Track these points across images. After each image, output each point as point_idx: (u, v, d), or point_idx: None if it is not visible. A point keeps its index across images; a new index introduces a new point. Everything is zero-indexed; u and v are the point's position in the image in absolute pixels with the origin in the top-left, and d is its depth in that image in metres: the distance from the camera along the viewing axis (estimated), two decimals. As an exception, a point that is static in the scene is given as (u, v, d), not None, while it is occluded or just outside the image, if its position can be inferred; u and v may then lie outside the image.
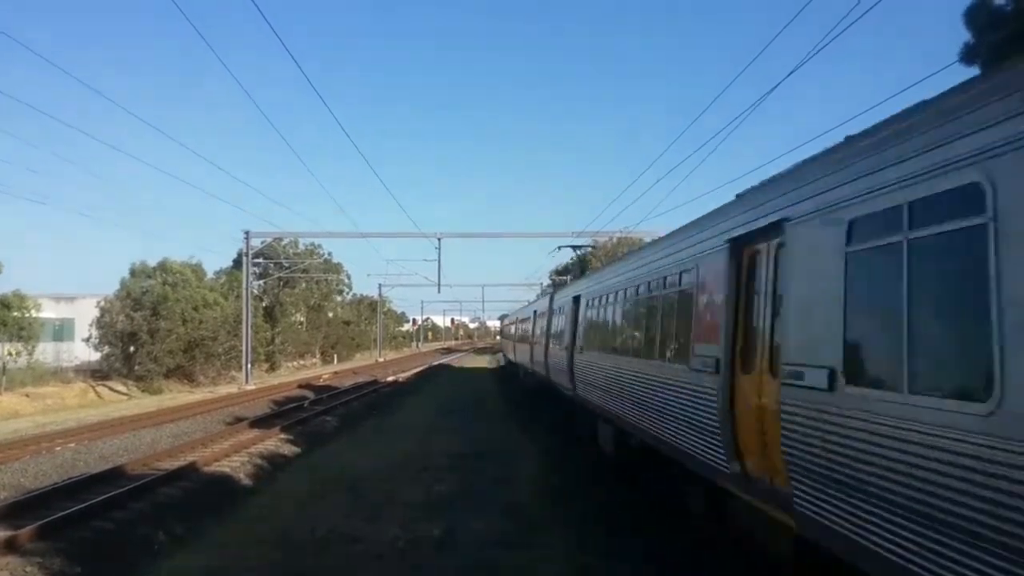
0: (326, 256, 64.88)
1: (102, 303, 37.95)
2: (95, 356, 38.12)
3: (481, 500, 11.01)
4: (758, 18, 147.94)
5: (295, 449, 17.09)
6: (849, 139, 5.16)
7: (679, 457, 7.91)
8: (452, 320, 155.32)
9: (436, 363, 58.42)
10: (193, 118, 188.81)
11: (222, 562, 8.11)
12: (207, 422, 21.33)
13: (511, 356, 38.27)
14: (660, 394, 8.60)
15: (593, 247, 79.42)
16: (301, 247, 60.33)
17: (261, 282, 54.24)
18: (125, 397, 32.26)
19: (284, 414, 22.95)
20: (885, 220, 4.25)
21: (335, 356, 67.69)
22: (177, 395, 33.08)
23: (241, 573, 7.75)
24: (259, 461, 15.17)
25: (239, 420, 21.31)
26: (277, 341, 53.38)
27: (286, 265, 56.59)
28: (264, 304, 54.01)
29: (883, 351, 4.26)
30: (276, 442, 17.49)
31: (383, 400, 29.01)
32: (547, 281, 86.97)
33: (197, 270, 43.06)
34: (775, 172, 6.44)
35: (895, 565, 3.92)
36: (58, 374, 33.70)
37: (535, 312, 25.90)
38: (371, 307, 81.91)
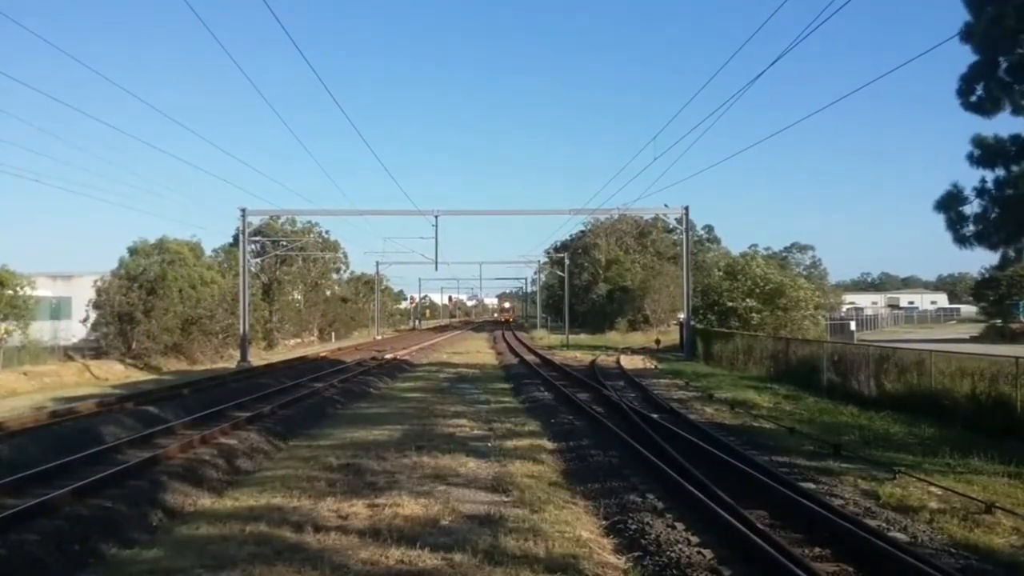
0: (323, 234, 64.75)
1: (99, 282, 37.82)
2: (93, 335, 38.03)
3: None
4: (753, 3, 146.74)
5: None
6: None
7: None
8: (450, 298, 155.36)
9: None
10: (190, 97, 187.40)
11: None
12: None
13: None
14: None
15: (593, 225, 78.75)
16: (298, 225, 60.18)
17: (258, 260, 54.11)
18: (124, 376, 32.23)
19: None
20: None
21: (333, 334, 67.69)
22: (187, 372, 33.06)
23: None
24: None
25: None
26: (274, 319, 53.32)
27: (283, 243, 56.42)
28: (262, 282, 53.91)
29: None
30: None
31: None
32: (544, 259, 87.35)
33: (195, 248, 42.90)
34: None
35: None
36: (55, 352, 33.60)
37: None
38: (368, 285, 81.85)
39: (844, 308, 79.55)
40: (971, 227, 15.52)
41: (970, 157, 15.39)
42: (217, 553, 7.63)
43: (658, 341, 46.73)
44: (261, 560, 7.28)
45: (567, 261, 69.81)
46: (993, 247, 15.64)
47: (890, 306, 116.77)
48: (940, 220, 15.91)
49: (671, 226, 59.44)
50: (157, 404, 18.98)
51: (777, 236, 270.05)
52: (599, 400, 20.18)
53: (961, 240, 15.67)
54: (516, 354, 41.42)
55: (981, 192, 15.37)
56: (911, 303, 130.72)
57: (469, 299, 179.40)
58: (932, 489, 10.10)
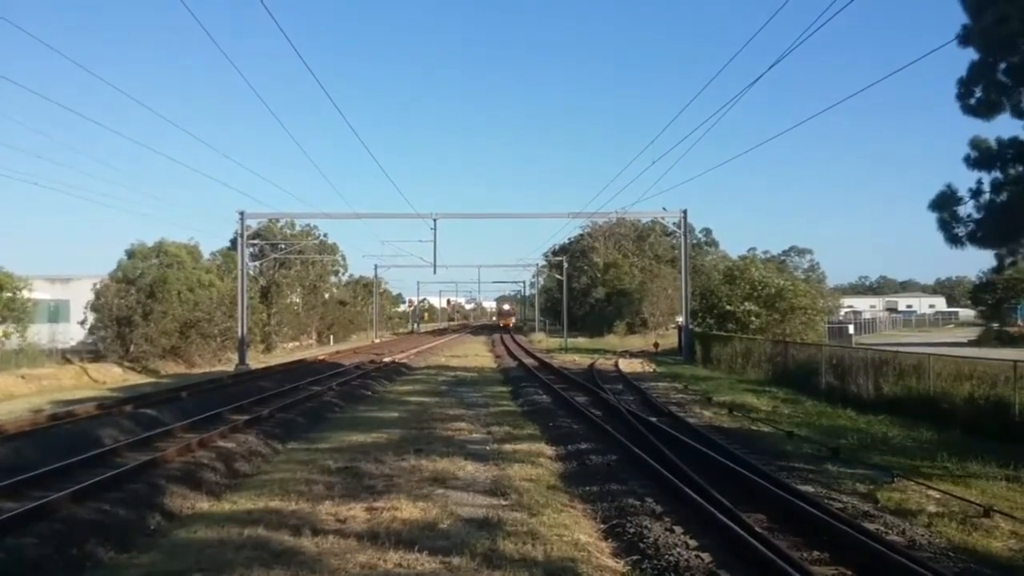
0: (322, 237, 64.80)
1: (97, 285, 37.82)
2: (91, 338, 38.02)
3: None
4: (749, 8, 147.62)
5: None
6: None
7: None
8: (448, 301, 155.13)
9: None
10: (189, 100, 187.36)
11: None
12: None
13: None
14: None
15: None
16: (297, 228, 60.24)
17: (257, 263, 54.11)
18: (122, 379, 32.19)
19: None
20: None
21: (331, 337, 67.66)
22: (185, 375, 33.03)
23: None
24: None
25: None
26: (273, 322, 53.31)
27: (282, 246, 56.45)
28: (260, 285, 53.91)
29: None
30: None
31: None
32: (542, 262, 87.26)
33: (193, 251, 42.92)
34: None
35: None
36: (52, 355, 33.58)
37: None
38: (367, 288, 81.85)
39: (842, 312, 79.58)
40: (963, 228, 15.58)
41: (967, 159, 15.44)
42: (214, 556, 7.62)
43: (656, 344, 46.73)
44: (259, 563, 7.26)
45: (565, 264, 69.84)
46: (985, 248, 15.70)
47: (888, 310, 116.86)
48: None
49: (669, 229, 59.53)
50: (155, 407, 18.95)
51: (775, 239, 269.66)
52: (597, 403, 20.16)
53: (953, 239, 15.72)
54: (514, 357, 41.39)
55: (976, 193, 15.42)
56: (909, 307, 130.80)
57: (467, 302, 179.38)
58: (930, 492, 10.10)
